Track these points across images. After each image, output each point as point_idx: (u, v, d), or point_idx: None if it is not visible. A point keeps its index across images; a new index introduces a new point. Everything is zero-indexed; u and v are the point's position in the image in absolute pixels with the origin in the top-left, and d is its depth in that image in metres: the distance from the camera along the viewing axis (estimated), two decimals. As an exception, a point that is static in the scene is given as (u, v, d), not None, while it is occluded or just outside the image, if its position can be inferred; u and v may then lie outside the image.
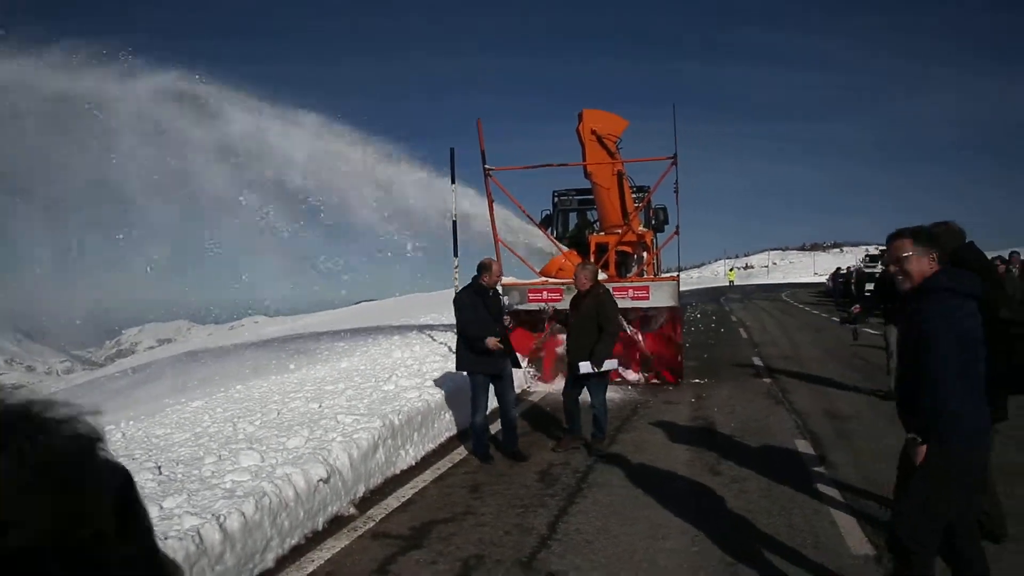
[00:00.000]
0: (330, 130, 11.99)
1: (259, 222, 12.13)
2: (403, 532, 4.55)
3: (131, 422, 7.79)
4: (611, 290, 6.99)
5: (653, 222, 12.57)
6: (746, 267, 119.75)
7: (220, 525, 3.68)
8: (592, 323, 6.21)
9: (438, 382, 7.52)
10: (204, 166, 11.58)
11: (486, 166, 10.30)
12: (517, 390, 8.96)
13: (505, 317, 6.35)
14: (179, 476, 4.66)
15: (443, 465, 6.11)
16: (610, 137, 10.50)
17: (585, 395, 6.49)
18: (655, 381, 9.80)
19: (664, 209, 12.59)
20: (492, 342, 5.91)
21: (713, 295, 43.00)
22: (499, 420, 6.48)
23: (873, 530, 4.26)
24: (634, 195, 11.77)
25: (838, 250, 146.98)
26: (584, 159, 10.52)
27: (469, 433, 6.43)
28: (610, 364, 6.30)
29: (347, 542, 4.40)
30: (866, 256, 41.31)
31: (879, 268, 40.79)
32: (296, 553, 4.21)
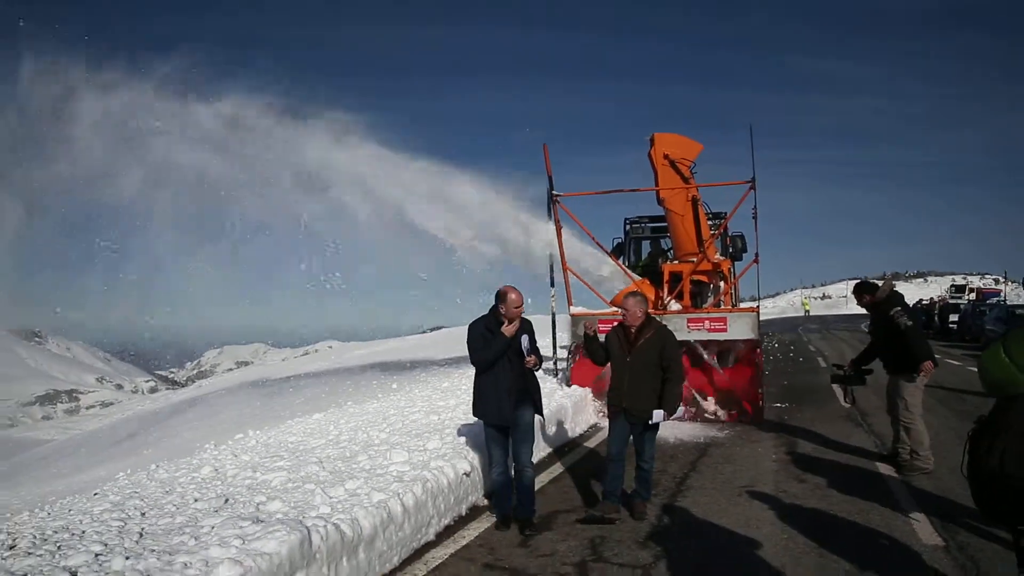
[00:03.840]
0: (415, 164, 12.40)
1: (337, 251, 13.07)
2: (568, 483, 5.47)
3: (257, 431, 9.05)
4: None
5: (731, 250, 11.98)
6: (823, 296, 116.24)
7: (401, 500, 4.68)
8: (654, 364, 5.33)
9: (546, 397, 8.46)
10: (291, 196, 12.52)
11: (553, 192, 10.26)
12: (581, 428, 8.92)
13: (529, 358, 5.18)
14: (342, 468, 5.69)
15: (567, 462, 7.10)
16: (684, 162, 10.26)
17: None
18: (731, 419, 9.39)
19: (742, 236, 12.05)
20: (509, 329, 5.13)
21: (790, 325, 42.56)
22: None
23: (943, 525, 4.90)
24: (710, 222, 11.36)
25: (922, 280, 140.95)
26: (656, 184, 10.28)
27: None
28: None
29: (487, 524, 5.30)
30: (952, 286, 39.98)
31: (965, 299, 39.56)
32: (448, 531, 5.15)
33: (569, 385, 9.85)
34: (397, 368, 19.94)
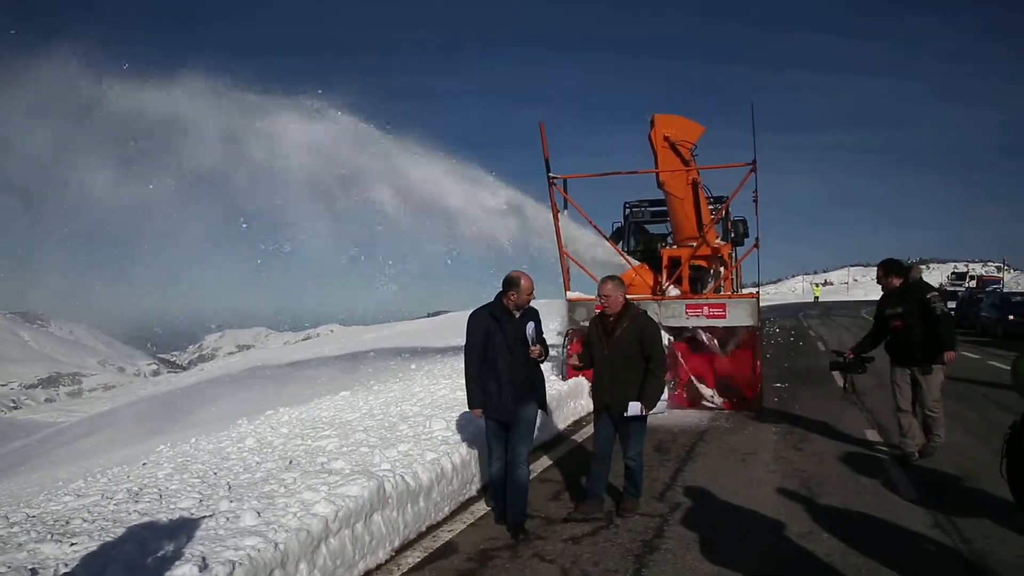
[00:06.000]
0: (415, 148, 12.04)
1: (340, 235, 13.01)
2: (559, 478, 6.16)
3: (288, 408, 9.69)
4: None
5: (732, 235, 11.74)
6: (825, 283, 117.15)
7: (451, 459, 5.39)
8: (634, 356, 5.03)
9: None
10: (288, 181, 12.16)
11: (550, 174, 9.98)
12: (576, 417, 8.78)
13: (534, 348, 4.88)
14: (387, 436, 6.37)
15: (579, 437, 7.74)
16: (684, 144, 9.91)
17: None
18: (728, 407, 9.43)
19: (744, 221, 11.87)
20: (536, 351, 4.89)
21: (792, 311, 43.33)
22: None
23: (923, 485, 5.62)
24: (710, 206, 11.09)
25: (924, 267, 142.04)
26: (656, 167, 9.92)
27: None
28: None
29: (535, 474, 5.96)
30: (952, 274, 40.58)
31: (964, 287, 40.21)
32: (485, 490, 5.82)
33: (565, 378, 9.81)
34: (411, 352, 20.63)
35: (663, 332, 9.41)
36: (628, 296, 5.31)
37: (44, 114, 10.44)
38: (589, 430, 7.39)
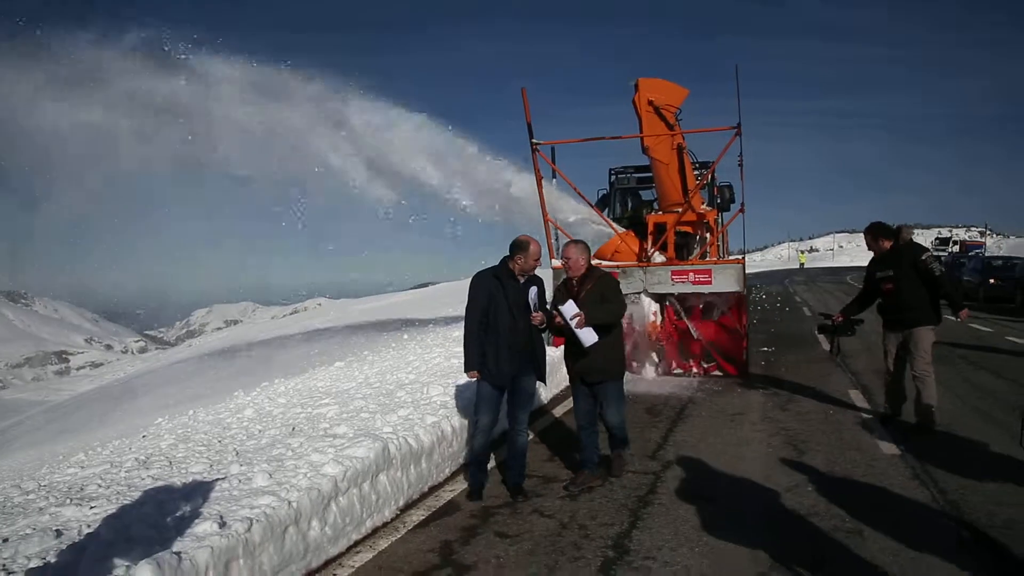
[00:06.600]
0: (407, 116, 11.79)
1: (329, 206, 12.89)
2: (553, 441, 6.37)
3: (284, 379, 9.85)
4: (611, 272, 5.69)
5: (718, 200, 11.51)
6: (811, 250, 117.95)
7: (450, 422, 5.59)
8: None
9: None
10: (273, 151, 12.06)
11: (533, 140, 9.77)
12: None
13: (535, 315, 4.84)
14: (386, 402, 6.52)
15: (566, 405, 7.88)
16: (668, 108, 9.80)
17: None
18: (716, 373, 9.45)
19: (729, 186, 11.65)
20: (538, 317, 4.85)
21: (778, 278, 43.80)
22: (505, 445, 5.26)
23: (903, 442, 5.87)
24: (696, 171, 10.97)
25: (913, 230, 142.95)
26: (641, 132, 9.80)
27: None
28: (589, 334, 4.82)
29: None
30: (936, 239, 41.08)
31: (948, 252, 40.68)
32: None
33: (555, 345, 9.79)
34: (402, 323, 20.79)
35: (650, 299, 9.62)
36: (615, 263, 5.18)
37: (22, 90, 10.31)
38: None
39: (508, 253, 4.86)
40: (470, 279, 5.00)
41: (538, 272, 5.01)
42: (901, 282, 6.39)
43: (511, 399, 4.95)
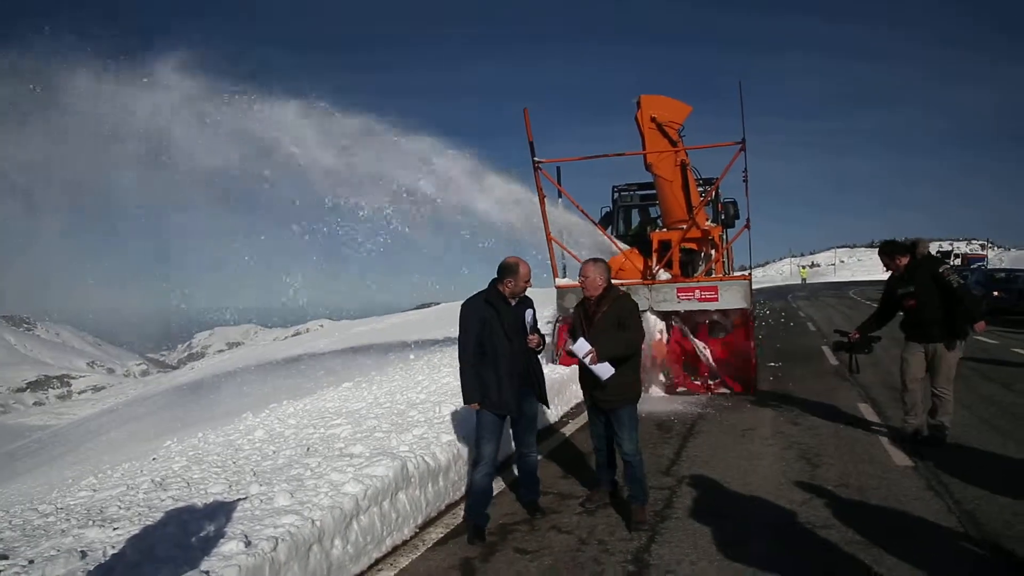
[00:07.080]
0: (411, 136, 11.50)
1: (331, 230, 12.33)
2: (565, 459, 6.39)
3: (292, 401, 9.84)
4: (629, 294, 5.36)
5: (723, 217, 11.39)
6: (812, 265, 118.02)
7: (466, 441, 5.59)
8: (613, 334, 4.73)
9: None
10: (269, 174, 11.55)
11: (535, 159, 9.79)
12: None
13: (531, 337, 4.73)
14: (399, 422, 6.53)
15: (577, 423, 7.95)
16: (671, 125, 9.78)
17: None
18: (723, 391, 9.33)
19: (734, 203, 11.52)
20: (534, 339, 4.74)
21: (780, 293, 43.86)
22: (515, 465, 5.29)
23: (918, 455, 5.90)
24: (700, 188, 10.84)
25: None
26: (644, 149, 9.78)
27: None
28: (605, 369, 4.60)
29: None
30: (938, 253, 41.24)
31: (949, 265, 40.72)
32: (502, 467, 5.98)
33: (559, 364, 9.61)
34: (408, 344, 20.76)
35: (655, 318, 9.62)
36: (619, 281, 4.94)
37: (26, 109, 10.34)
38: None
39: (496, 276, 4.72)
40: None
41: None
42: (922, 297, 6.30)
43: (515, 425, 4.87)
